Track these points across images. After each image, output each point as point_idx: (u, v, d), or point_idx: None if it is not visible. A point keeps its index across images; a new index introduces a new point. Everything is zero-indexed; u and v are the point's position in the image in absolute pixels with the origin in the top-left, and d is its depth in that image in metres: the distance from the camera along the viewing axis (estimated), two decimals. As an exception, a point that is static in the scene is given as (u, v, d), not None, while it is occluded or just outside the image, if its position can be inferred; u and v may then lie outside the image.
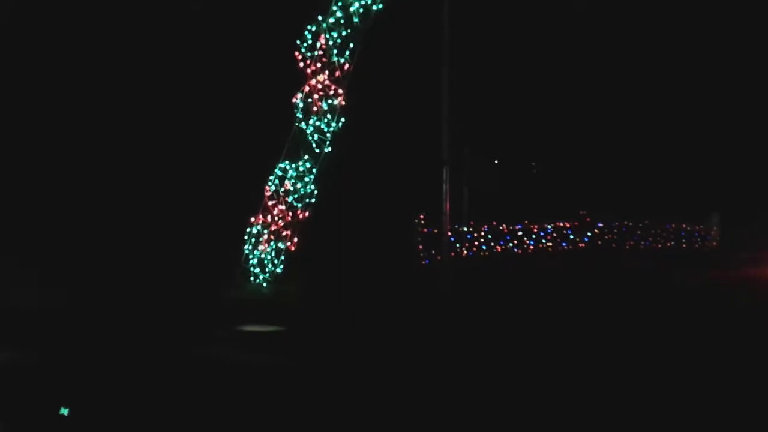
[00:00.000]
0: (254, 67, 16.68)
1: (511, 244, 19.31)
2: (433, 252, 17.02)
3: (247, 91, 16.72)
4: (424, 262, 16.55)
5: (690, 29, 22.89)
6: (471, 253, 18.08)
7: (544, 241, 20.09)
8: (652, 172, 22.88)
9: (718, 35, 22.93)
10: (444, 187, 14.78)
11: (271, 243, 16.92)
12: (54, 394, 6.82)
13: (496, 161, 21.68)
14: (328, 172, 16.63)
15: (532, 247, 19.63)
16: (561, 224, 20.48)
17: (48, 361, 8.58)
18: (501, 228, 19.02)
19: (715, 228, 23.12)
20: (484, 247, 18.54)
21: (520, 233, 19.48)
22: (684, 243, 22.78)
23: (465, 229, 17.98)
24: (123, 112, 17.38)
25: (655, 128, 23.30)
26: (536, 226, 19.83)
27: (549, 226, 20.17)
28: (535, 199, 20.93)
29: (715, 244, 22.95)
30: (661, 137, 23.50)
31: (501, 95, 20.58)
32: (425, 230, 16.62)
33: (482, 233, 18.46)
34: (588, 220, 21.25)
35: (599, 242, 21.22)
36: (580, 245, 20.92)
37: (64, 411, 6.24)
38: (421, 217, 16.67)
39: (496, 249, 18.89)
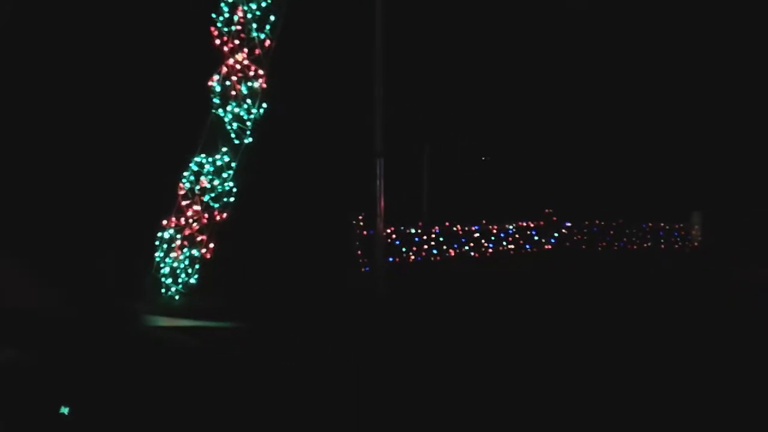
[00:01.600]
0: (163, 44, 14.46)
1: (467, 247, 17.18)
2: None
3: (156, 73, 14.49)
4: (364, 269, 14.41)
5: (664, 24, 21.58)
6: (420, 258, 15.97)
7: (504, 243, 18.01)
8: (626, 166, 20.98)
9: (694, 31, 21.54)
10: (378, 182, 12.67)
11: (185, 249, 14.64)
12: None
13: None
14: (249, 166, 14.41)
15: (491, 250, 17.54)
16: (524, 224, 18.43)
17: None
18: (455, 229, 16.90)
19: (696, 227, 21.34)
20: (435, 251, 16.40)
21: (477, 235, 17.36)
22: (662, 243, 20.87)
23: (413, 230, 15.86)
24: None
25: (631, 121, 21.34)
26: (495, 227, 17.74)
27: (510, 227, 18.13)
28: (496, 197, 18.86)
29: (696, 244, 21.09)
30: (636, 130, 21.60)
31: (456, 82, 18.50)
32: (366, 232, 14.43)
33: (433, 235, 16.32)
34: (554, 219, 19.27)
35: (567, 244, 19.23)
36: (546, 247, 18.95)
37: (64, 410, 6.27)
38: (361, 218, 14.52)
39: (450, 253, 16.77)
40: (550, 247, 19.23)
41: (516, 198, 19.14)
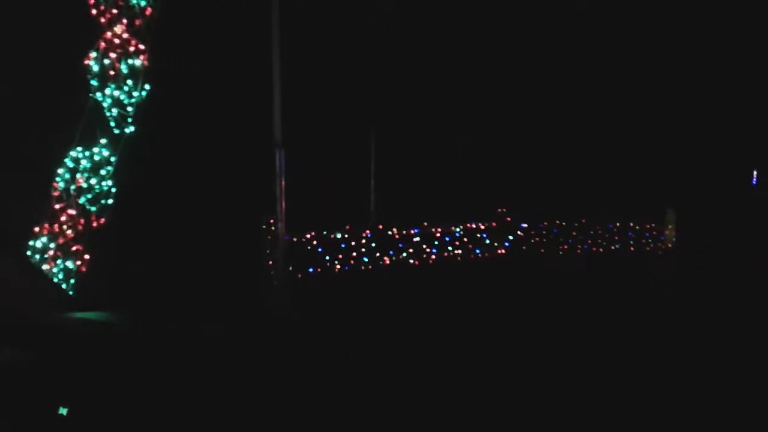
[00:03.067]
0: (31, 14, 12.06)
1: (404, 254, 14.91)
2: (290, 268, 12.58)
3: (24, 50, 12.10)
4: (277, 282, 12.11)
5: (630, 17, 19.71)
6: (347, 267, 13.69)
7: (450, 248, 15.77)
8: (591, 160, 18.89)
9: (663, 24, 19.71)
10: (278, 178, 10.39)
11: (59, 261, 12.29)
12: None
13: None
14: (131, 161, 12.09)
15: (434, 256, 15.28)
16: (473, 226, 16.19)
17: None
18: (391, 233, 14.63)
19: (670, 227, 19.25)
20: (365, 260, 14.12)
21: (416, 240, 15.08)
22: (632, 245, 18.77)
23: (338, 235, 13.57)
24: None
25: (594, 111, 19.71)
26: (439, 230, 15.47)
27: (457, 230, 15.85)
28: (444, 196, 16.63)
29: (670, 245, 19.01)
30: (601, 121, 19.75)
31: (401, 70, 16.31)
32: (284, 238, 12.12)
33: (363, 241, 14.03)
34: (508, 220, 17.04)
35: (524, 247, 17.01)
36: (499, 252, 16.78)
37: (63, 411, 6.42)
38: (272, 221, 12.22)
39: (384, 261, 14.49)
40: (503, 251, 17.08)
41: (465, 196, 16.95)
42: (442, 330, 10.64)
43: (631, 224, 19.18)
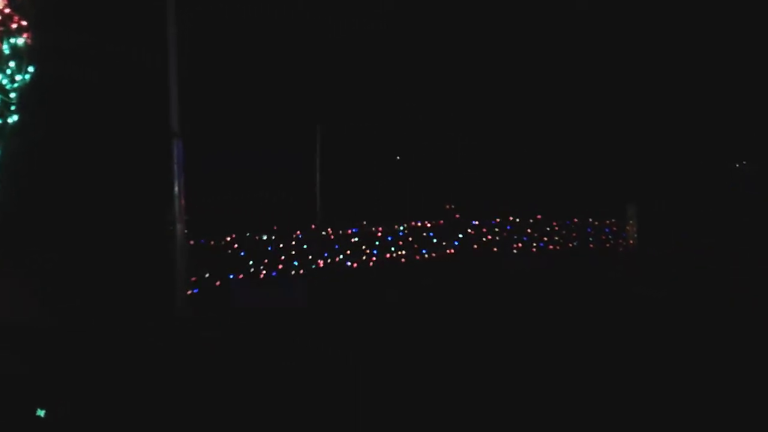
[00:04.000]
0: None
1: (341, 256, 13.52)
2: (207, 275, 11.12)
3: None
4: (191, 291, 10.62)
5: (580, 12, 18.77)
6: (275, 273, 12.25)
7: (393, 249, 14.42)
8: (547, 154, 17.79)
9: (619, 20, 18.88)
10: (176, 173, 8.95)
11: (-65, 272, 10.65)
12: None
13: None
14: (16, 153, 10.53)
15: (374, 258, 13.91)
16: (419, 224, 14.85)
17: None
18: (325, 233, 13.22)
19: (631, 222, 18.18)
20: (296, 263, 12.70)
21: (355, 240, 13.69)
22: (591, 242, 17.61)
23: (264, 237, 12.13)
24: None
25: (550, 102, 18.62)
26: (381, 229, 14.11)
27: (401, 228, 14.50)
28: (390, 195, 15.29)
29: (632, 242, 17.95)
30: (558, 113, 18.78)
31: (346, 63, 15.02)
32: (192, 242, 10.62)
33: (292, 243, 12.60)
34: (457, 216, 15.74)
35: (475, 246, 15.72)
36: (449, 251, 15.42)
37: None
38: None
39: (318, 264, 13.07)
40: (452, 251, 15.79)
41: (413, 193, 15.63)
42: (373, 339, 9.34)
43: (591, 220, 18.10)
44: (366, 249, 14.23)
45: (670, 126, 19.37)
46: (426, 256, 15.23)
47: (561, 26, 18.28)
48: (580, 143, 18.47)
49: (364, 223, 14.26)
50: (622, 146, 18.95)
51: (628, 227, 18.83)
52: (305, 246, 13.00)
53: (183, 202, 9.24)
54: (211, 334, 10.02)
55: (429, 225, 15.45)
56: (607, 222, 18.18)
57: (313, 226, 13.38)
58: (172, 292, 10.42)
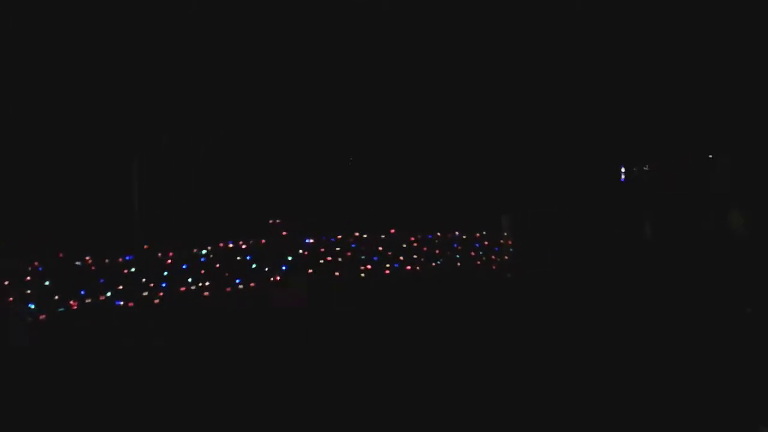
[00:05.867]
0: None
1: (109, 293, 10.02)
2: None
3: None
4: None
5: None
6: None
7: (191, 279, 11.02)
8: (402, 158, 15.32)
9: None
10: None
11: None
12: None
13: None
14: None
15: (162, 292, 10.46)
16: (229, 246, 11.50)
17: None
18: (81, 263, 9.69)
19: (506, 234, 15.70)
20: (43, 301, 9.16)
21: (129, 270, 10.23)
22: (458, 259, 14.84)
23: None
24: None
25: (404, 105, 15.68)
26: (171, 254, 10.69)
27: (203, 252, 11.11)
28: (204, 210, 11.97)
29: (506, 257, 15.46)
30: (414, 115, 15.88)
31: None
32: None
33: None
34: (284, 234, 12.52)
35: (310, 270, 12.52)
36: (273, 278, 12.11)
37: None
38: None
39: (70, 305, 9.54)
40: (278, 278, 12.51)
41: (231, 207, 12.32)
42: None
43: (456, 234, 15.31)
44: (149, 283, 10.73)
45: (552, 123, 17.26)
46: (239, 286, 11.79)
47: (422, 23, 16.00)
48: (446, 143, 15.94)
49: (145, 246, 10.79)
50: (496, 146, 16.58)
51: (501, 241, 16.30)
52: (47, 282, 9.40)
53: None
54: None
55: (244, 246, 12.03)
56: (478, 236, 15.50)
57: (60, 254, 9.79)
58: None
